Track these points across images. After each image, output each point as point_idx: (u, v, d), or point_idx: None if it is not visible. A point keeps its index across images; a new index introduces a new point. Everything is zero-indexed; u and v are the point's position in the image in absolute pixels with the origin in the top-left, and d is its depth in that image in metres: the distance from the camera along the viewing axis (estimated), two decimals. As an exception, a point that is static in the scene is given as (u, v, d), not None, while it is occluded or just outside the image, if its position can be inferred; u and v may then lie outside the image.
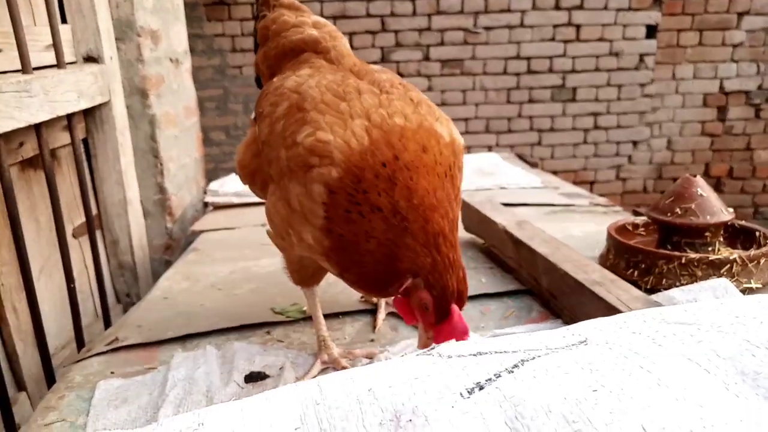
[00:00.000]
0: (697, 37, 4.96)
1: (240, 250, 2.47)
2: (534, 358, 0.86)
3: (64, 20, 2.34)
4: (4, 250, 1.90)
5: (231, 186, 3.47)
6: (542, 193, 3.25)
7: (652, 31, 4.91)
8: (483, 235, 2.21)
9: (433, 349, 0.94)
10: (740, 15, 4.91)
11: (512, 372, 0.82)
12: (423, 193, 1.12)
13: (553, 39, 4.85)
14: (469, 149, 4.94)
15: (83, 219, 2.37)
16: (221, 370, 1.45)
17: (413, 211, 1.11)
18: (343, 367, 1.44)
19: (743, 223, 1.96)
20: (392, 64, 4.77)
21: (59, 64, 2.11)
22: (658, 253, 1.76)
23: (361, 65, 1.47)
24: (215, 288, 2.06)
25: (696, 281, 1.66)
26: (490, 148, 5.04)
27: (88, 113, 2.44)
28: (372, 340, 1.62)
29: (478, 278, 1.97)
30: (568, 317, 1.61)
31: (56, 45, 2.09)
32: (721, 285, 1.54)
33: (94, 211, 2.47)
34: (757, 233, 1.89)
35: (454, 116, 4.84)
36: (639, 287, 1.71)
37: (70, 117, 2.16)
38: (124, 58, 2.66)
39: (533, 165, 4.19)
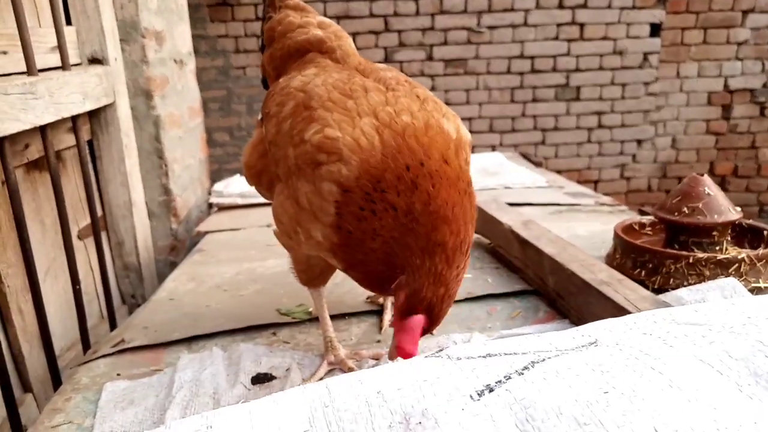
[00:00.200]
0: (702, 35, 4.94)
1: (245, 251, 2.47)
2: (544, 359, 0.85)
3: (68, 22, 2.35)
4: (9, 252, 1.91)
5: (235, 187, 3.47)
6: (547, 192, 3.25)
7: (656, 30, 4.89)
8: (489, 234, 2.20)
9: (442, 350, 0.93)
10: (745, 13, 4.89)
11: (522, 374, 0.82)
12: (441, 203, 1.11)
13: (556, 38, 4.84)
14: (473, 149, 4.93)
15: (88, 220, 2.37)
16: (228, 372, 1.44)
17: (426, 216, 1.11)
18: (350, 368, 1.43)
19: (751, 222, 1.95)
20: (395, 63, 4.77)
21: (64, 65, 2.11)
22: (665, 253, 1.75)
23: (366, 64, 1.47)
24: (221, 289, 2.06)
25: (704, 281, 1.65)
26: (493, 148, 5.03)
27: (93, 115, 2.44)
28: (378, 341, 1.62)
29: (484, 278, 1.96)
30: (576, 317, 1.60)
31: (61, 47, 2.09)
32: (729, 284, 1.53)
33: (100, 213, 2.47)
34: (765, 232, 1.88)
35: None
36: (646, 287, 1.70)
37: (75, 119, 2.16)
38: (128, 59, 2.66)
39: (538, 164, 4.18)
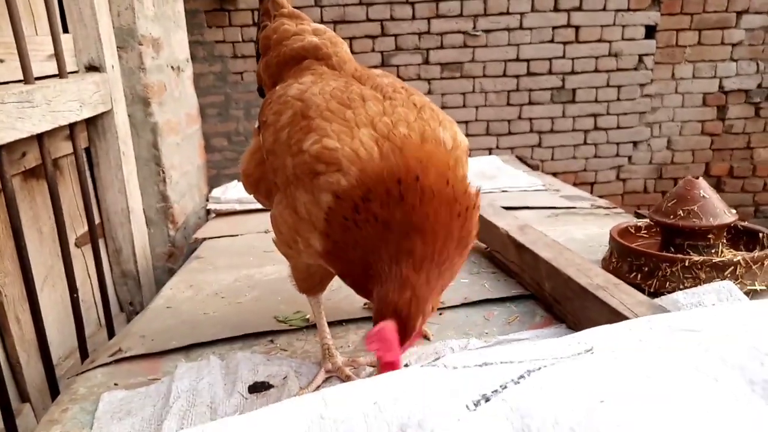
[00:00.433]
0: (696, 36, 4.95)
1: (243, 258, 2.47)
2: (540, 368, 0.86)
3: (65, 29, 2.35)
4: (7, 261, 1.91)
5: (233, 193, 3.47)
6: (544, 195, 3.25)
7: (651, 32, 4.91)
8: (485, 239, 2.21)
9: (438, 359, 0.94)
10: (739, 14, 4.91)
11: (518, 383, 0.82)
12: (422, 216, 1.10)
13: (552, 41, 4.85)
14: (470, 152, 4.94)
15: (86, 228, 2.37)
16: (225, 381, 1.44)
17: (401, 225, 1.10)
18: (347, 376, 1.43)
19: (746, 224, 1.96)
20: (392, 67, 4.77)
21: (61, 73, 2.11)
22: (661, 256, 1.76)
23: (362, 70, 1.47)
24: (218, 296, 2.06)
25: (700, 284, 1.65)
26: (490, 150, 5.04)
27: (90, 122, 2.44)
28: (376, 348, 1.61)
29: (481, 283, 1.97)
30: (572, 322, 1.61)
31: (58, 54, 2.09)
32: (725, 288, 1.54)
33: (97, 220, 2.47)
34: (761, 234, 1.89)
35: (454, 119, 4.86)
36: (642, 290, 1.70)
37: (72, 126, 2.16)
38: (125, 66, 2.66)
39: (534, 167, 4.19)
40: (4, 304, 1.88)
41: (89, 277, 2.46)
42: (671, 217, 1.81)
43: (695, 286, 1.64)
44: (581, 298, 1.55)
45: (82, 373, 1.61)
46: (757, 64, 5.04)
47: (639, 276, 1.79)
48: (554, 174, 5.00)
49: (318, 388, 1.41)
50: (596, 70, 4.95)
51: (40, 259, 2.12)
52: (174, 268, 2.94)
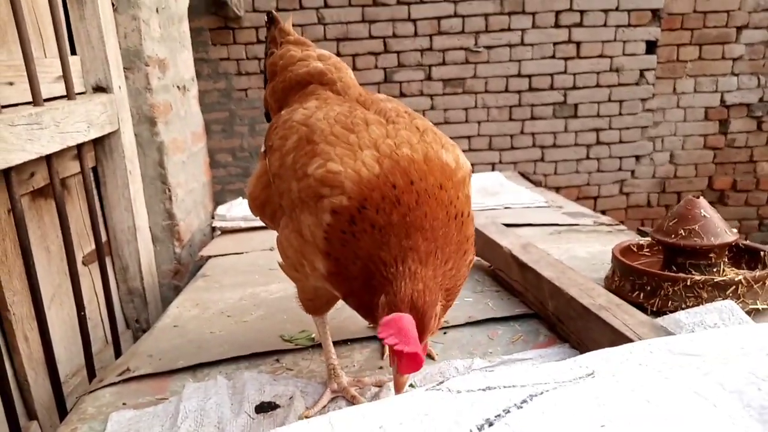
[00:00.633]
0: (697, 51, 4.99)
1: (249, 276, 2.49)
2: (542, 392, 0.87)
3: (73, 51, 2.39)
4: (15, 280, 1.93)
5: (238, 210, 3.50)
6: (546, 212, 3.27)
7: (651, 47, 4.94)
8: (488, 257, 2.22)
9: (442, 383, 0.95)
10: (739, 29, 4.94)
11: (521, 407, 0.84)
12: (420, 215, 1.12)
13: (553, 56, 4.89)
14: (472, 167, 4.95)
15: (93, 246, 2.39)
16: (232, 401, 1.46)
17: (400, 226, 1.12)
18: (353, 396, 1.45)
19: (748, 242, 1.97)
20: (395, 84, 4.82)
21: (69, 95, 2.15)
22: (663, 275, 1.77)
23: (366, 95, 1.50)
24: (225, 315, 2.08)
25: (702, 303, 1.66)
26: (493, 166, 5.06)
27: (98, 142, 2.47)
28: (381, 367, 1.63)
29: (485, 302, 1.98)
30: (576, 342, 1.62)
31: (66, 76, 2.13)
32: (726, 307, 1.55)
33: (104, 238, 2.49)
34: (762, 253, 1.90)
35: (456, 134, 4.91)
36: (645, 309, 1.72)
37: (79, 146, 2.19)
38: (132, 87, 2.70)
39: (537, 183, 4.21)
40: (12, 322, 1.90)
41: (96, 294, 2.48)
42: (672, 236, 1.82)
43: (697, 305, 1.65)
44: (584, 318, 1.56)
45: (91, 392, 1.62)
46: (758, 79, 5.06)
47: (641, 295, 1.80)
48: (557, 188, 5.02)
49: (324, 408, 1.42)
50: (598, 85, 4.98)
51: (48, 278, 2.14)
52: (180, 285, 2.96)
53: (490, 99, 4.96)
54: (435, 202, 1.15)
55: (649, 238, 2.06)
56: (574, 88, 4.97)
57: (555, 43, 4.85)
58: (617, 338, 1.40)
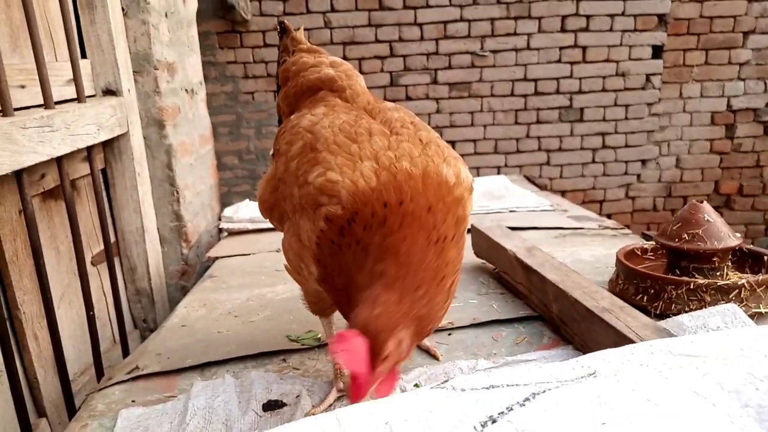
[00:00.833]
0: (704, 56, 4.99)
1: (255, 277, 2.52)
2: (545, 391, 0.89)
3: (83, 55, 2.42)
4: (26, 280, 1.96)
5: (245, 212, 3.53)
6: (551, 216, 3.28)
7: (657, 52, 4.95)
8: (493, 260, 2.24)
9: (447, 381, 0.97)
10: (746, 34, 4.95)
11: (524, 405, 0.85)
12: (398, 239, 1.14)
13: (559, 61, 4.91)
14: (478, 170, 4.98)
15: (102, 247, 2.42)
16: (240, 399, 1.48)
17: (377, 248, 1.14)
18: (358, 395, 1.46)
19: (751, 247, 1.98)
20: (401, 87, 4.84)
21: (79, 98, 2.18)
22: (666, 279, 1.79)
23: (374, 103, 1.52)
24: (232, 315, 2.10)
25: (705, 306, 1.67)
26: (498, 169, 5.08)
27: (107, 144, 2.51)
28: (385, 368, 1.65)
29: (489, 304, 2.00)
30: (579, 344, 1.63)
31: (76, 79, 2.16)
32: (729, 310, 1.56)
33: (113, 239, 2.52)
34: (766, 257, 1.91)
35: (462, 138, 4.93)
36: (648, 313, 1.73)
37: (89, 148, 2.22)
38: (141, 90, 2.74)
39: (542, 187, 4.22)
40: (23, 321, 1.93)
41: (104, 294, 2.51)
42: (676, 240, 1.83)
43: (700, 308, 1.66)
44: (587, 320, 1.58)
45: (101, 389, 1.65)
46: (765, 84, 5.06)
47: (645, 298, 1.81)
48: (563, 192, 5.03)
49: (330, 406, 1.44)
50: (604, 90, 5.00)
51: (58, 278, 2.17)
52: (187, 285, 2.99)
53: (495, 103, 4.97)
54: (418, 226, 1.16)
55: (653, 242, 2.07)
56: (580, 92, 4.99)
57: (561, 48, 4.87)
58: (620, 340, 1.41)
